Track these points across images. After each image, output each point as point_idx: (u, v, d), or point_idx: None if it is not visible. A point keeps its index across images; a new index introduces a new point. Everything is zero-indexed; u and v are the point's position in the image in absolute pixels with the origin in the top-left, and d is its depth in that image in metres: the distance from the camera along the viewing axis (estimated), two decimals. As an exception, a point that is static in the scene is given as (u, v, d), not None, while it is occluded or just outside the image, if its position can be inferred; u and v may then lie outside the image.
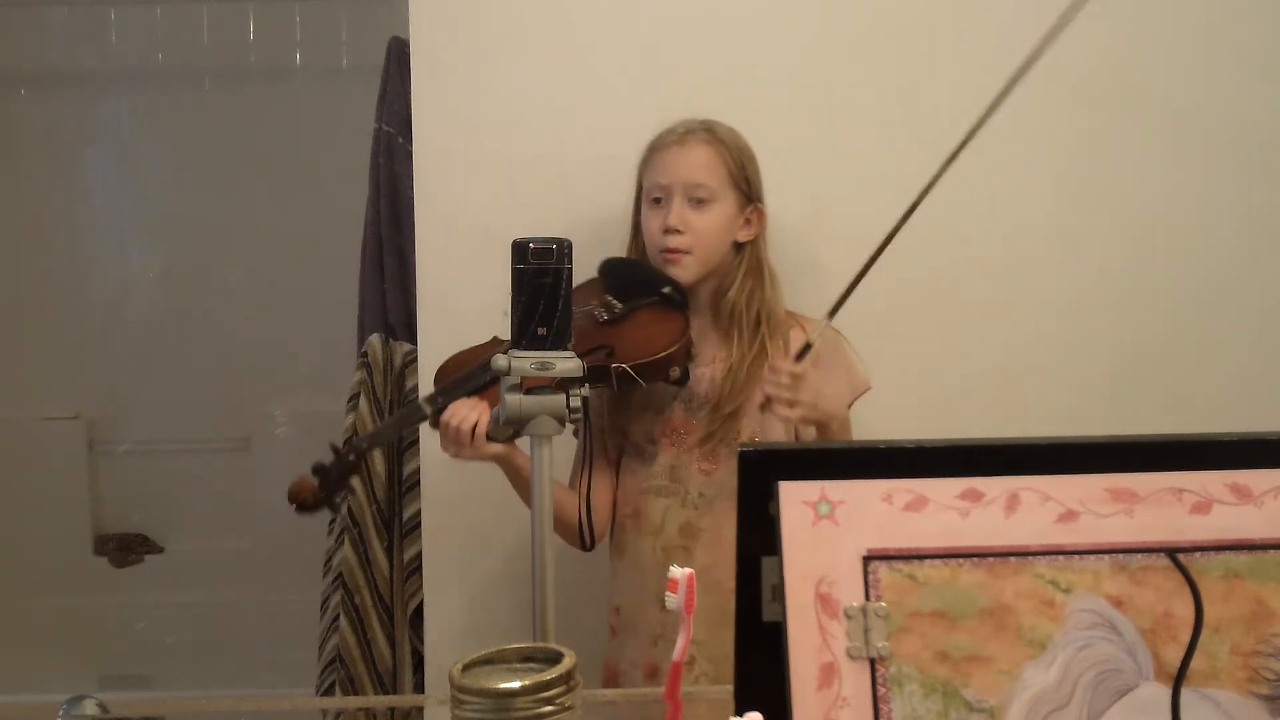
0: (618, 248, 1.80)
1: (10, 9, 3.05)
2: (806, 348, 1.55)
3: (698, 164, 1.68)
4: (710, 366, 1.72)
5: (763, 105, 1.87)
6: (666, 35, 1.94)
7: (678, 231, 1.67)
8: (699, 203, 1.68)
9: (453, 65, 1.92)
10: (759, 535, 0.85)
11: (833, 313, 1.55)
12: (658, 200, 1.70)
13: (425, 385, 1.98)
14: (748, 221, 1.72)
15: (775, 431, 1.65)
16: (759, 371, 1.65)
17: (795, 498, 0.85)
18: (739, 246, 1.73)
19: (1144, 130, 1.97)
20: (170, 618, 3.09)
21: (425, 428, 1.93)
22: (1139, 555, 0.85)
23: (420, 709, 2.03)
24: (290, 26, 3.02)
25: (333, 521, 2.25)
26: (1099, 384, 1.98)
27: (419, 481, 2.06)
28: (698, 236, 1.68)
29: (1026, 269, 1.98)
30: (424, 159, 1.93)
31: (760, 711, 0.80)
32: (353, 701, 2.14)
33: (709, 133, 1.70)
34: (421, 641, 2.08)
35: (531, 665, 0.92)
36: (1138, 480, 0.87)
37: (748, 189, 1.71)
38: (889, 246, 1.58)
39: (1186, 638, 0.84)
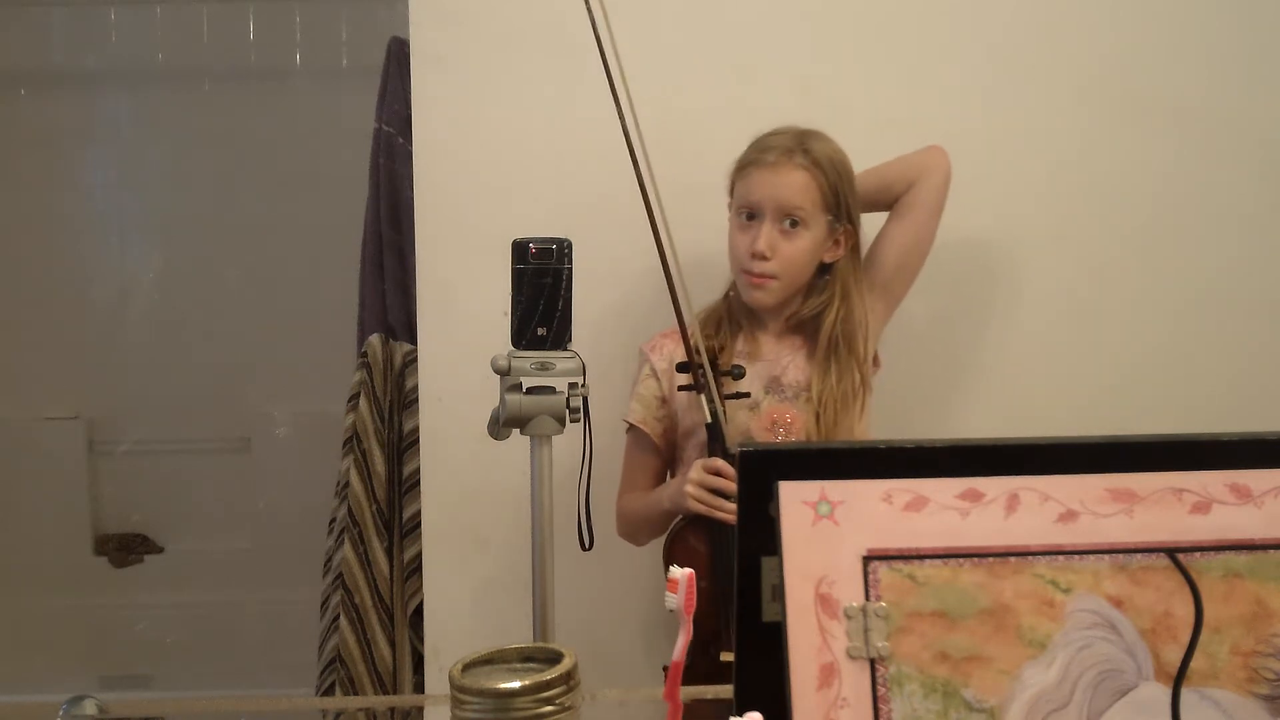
0: (618, 248, 1.80)
1: (10, 9, 3.05)
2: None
3: (791, 187, 1.63)
4: (797, 398, 1.67)
5: (763, 105, 1.86)
6: (666, 35, 1.94)
7: (764, 258, 1.64)
8: (792, 225, 1.64)
9: (453, 65, 1.92)
10: (759, 535, 0.85)
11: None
12: (750, 217, 1.66)
13: (425, 385, 1.99)
14: (836, 242, 1.69)
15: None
16: (854, 400, 1.65)
17: (795, 498, 0.85)
18: (824, 266, 1.70)
19: (1145, 130, 1.97)
20: (170, 618, 3.09)
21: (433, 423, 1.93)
22: (1139, 555, 0.85)
23: (420, 709, 2.03)
24: (290, 26, 3.02)
25: (333, 521, 2.25)
26: (1099, 384, 1.98)
27: (419, 481, 2.06)
28: (785, 263, 1.65)
29: (1027, 269, 1.98)
30: (424, 159, 1.93)
31: (760, 711, 0.80)
32: (353, 701, 2.14)
33: (806, 154, 1.64)
34: (421, 641, 2.08)
35: (531, 665, 0.92)
36: (1138, 480, 0.86)
37: (839, 211, 1.67)
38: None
39: (1186, 638, 0.83)
